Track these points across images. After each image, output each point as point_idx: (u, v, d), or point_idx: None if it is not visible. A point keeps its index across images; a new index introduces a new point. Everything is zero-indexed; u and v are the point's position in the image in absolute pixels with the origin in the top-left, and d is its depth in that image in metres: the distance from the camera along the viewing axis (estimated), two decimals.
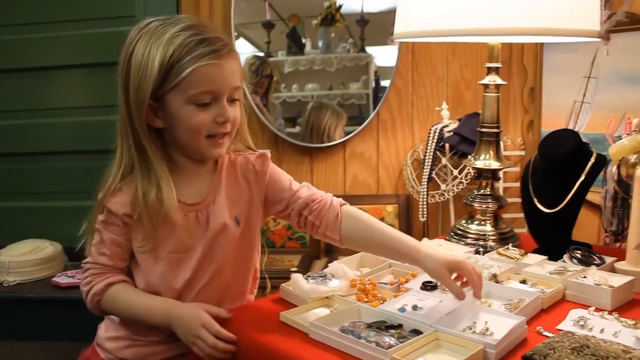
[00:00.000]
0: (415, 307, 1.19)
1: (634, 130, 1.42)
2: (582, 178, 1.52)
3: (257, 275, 1.41)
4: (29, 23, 2.52)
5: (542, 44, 2.17)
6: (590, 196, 1.95)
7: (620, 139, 1.48)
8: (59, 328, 2.12)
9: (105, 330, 1.36)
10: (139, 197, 1.22)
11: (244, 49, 2.46)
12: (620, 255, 1.44)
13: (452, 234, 1.77)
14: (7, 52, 2.54)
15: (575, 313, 1.21)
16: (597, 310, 1.22)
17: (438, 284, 1.31)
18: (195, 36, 1.17)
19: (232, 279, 1.31)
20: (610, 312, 1.21)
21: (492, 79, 1.66)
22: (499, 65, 1.66)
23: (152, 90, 1.16)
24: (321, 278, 1.33)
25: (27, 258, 2.25)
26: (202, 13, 2.39)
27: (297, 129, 2.46)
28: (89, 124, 2.52)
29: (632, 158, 1.40)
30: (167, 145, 1.27)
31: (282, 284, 1.35)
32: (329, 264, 1.41)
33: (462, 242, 1.70)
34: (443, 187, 2.16)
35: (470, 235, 1.72)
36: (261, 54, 2.44)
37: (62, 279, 2.21)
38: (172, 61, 1.15)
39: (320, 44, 2.43)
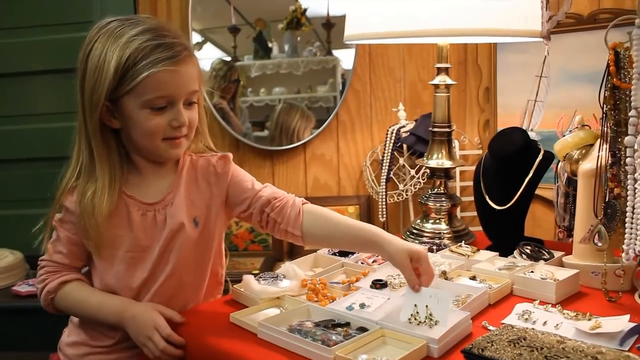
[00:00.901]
0: (362, 306, 1.20)
1: (576, 127, 1.45)
2: (530, 175, 1.55)
3: (220, 280, 1.41)
4: None
5: (495, 45, 2.20)
6: (545, 193, 2.00)
7: None
8: (20, 337, 2.09)
9: (68, 335, 1.36)
10: (79, 196, 1.24)
11: (211, 54, 2.45)
12: (571, 250, 1.47)
13: (408, 233, 1.79)
14: None
15: (520, 307, 1.23)
16: (542, 303, 1.25)
17: (388, 282, 1.33)
18: (152, 41, 1.17)
19: (188, 281, 1.32)
20: (554, 305, 1.24)
21: (442, 79, 1.69)
22: (448, 65, 1.69)
23: (106, 93, 1.17)
24: (272, 279, 1.34)
25: None
26: (159, 17, 2.38)
27: (265, 133, 2.46)
28: (50, 130, 2.48)
29: (575, 154, 1.44)
30: (125, 146, 1.27)
31: (234, 286, 1.36)
32: (281, 265, 1.42)
33: (418, 241, 1.72)
34: (401, 187, 2.18)
35: (425, 234, 1.75)
36: (228, 59, 2.43)
37: (22, 288, 2.18)
38: (127, 65, 1.16)
39: (286, 47, 2.42)
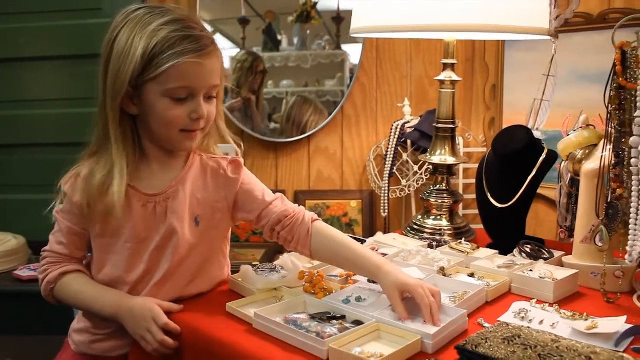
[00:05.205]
0: (359, 299, 1.20)
1: (581, 127, 1.44)
2: (533, 173, 1.54)
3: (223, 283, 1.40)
4: None
5: (503, 42, 2.19)
6: (548, 192, 1.99)
7: None
8: (19, 322, 2.10)
9: (77, 321, 1.37)
10: (87, 176, 1.23)
11: (221, 45, 2.43)
12: (571, 251, 1.46)
13: (408, 228, 1.78)
14: None
15: (517, 305, 1.23)
16: (539, 302, 1.24)
17: None
18: (180, 32, 1.17)
19: (191, 279, 1.30)
20: (551, 305, 1.23)
21: (448, 75, 1.68)
22: (454, 61, 1.68)
23: (130, 79, 1.17)
24: (270, 270, 1.33)
25: None
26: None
27: (272, 125, 2.45)
28: (57, 116, 2.47)
29: (579, 154, 1.42)
30: (139, 132, 1.27)
31: (232, 276, 1.36)
32: (280, 257, 1.42)
33: (418, 237, 1.72)
34: (404, 182, 2.17)
35: (426, 230, 1.74)
36: (253, 49, 2.41)
37: (23, 272, 2.18)
38: (153, 53, 1.16)
39: (296, 40, 2.42)
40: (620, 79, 1.22)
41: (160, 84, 1.17)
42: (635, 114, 1.14)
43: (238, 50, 2.42)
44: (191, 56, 1.16)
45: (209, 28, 2.37)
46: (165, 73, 1.16)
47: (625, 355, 0.90)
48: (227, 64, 2.41)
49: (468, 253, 1.50)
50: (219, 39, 2.42)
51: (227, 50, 2.43)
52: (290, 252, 1.37)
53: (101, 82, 1.21)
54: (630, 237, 1.17)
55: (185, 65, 1.16)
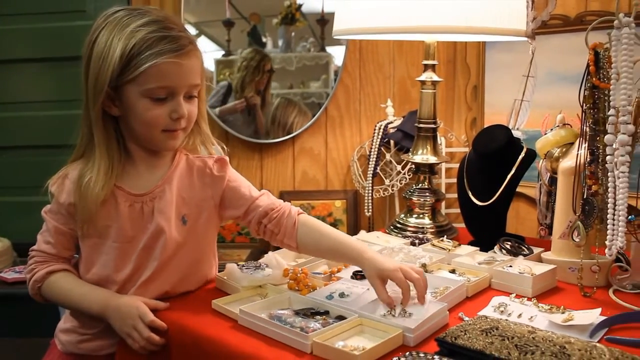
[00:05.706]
0: (342, 295, 1.22)
1: (557, 126, 1.47)
2: (512, 172, 1.58)
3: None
4: None
5: (483, 44, 2.23)
6: (529, 191, 2.03)
7: None
8: (5, 324, 2.10)
9: (64, 322, 1.37)
10: (74, 182, 1.24)
11: (206, 47, 2.45)
12: (550, 247, 1.49)
13: (392, 227, 1.81)
14: None
15: (497, 300, 1.26)
16: (518, 296, 1.28)
17: None
18: (158, 32, 1.18)
19: (180, 277, 1.32)
20: (530, 299, 1.26)
21: (429, 76, 1.71)
22: (434, 62, 1.71)
23: (109, 80, 1.18)
24: (255, 268, 1.36)
25: None
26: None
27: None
28: (43, 118, 2.49)
29: (556, 152, 1.46)
30: (123, 134, 1.28)
31: (217, 274, 1.37)
32: (265, 255, 1.44)
33: (401, 235, 1.74)
34: (387, 182, 2.20)
35: (409, 228, 1.77)
36: (260, 48, 2.42)
37: (9, 275, 2.18)
38: (131, 54, 1.17)
39: (280, 42, 2.44)
40: (594, 79, 1.26)
41: (139, 85, 1.18)
42: (609, 113, 1.17)
43: (223, 52, 2.44)
44: (169, 56, 1.17)
45: (193, 30, 2.40)
46: (143, 73, 1.17)
47: (597, 344, 0.93)
48: (212, 66, 2.43)
49: (449, 250, 1.53)
50: (204, 42, 2.44)
51: (212, 53, 2.44)
52: (276, 247, 1.38)
53: (83, 84, 1.23)
54: (608, 232, 1.20)
55: (163, 65, 1.17)
